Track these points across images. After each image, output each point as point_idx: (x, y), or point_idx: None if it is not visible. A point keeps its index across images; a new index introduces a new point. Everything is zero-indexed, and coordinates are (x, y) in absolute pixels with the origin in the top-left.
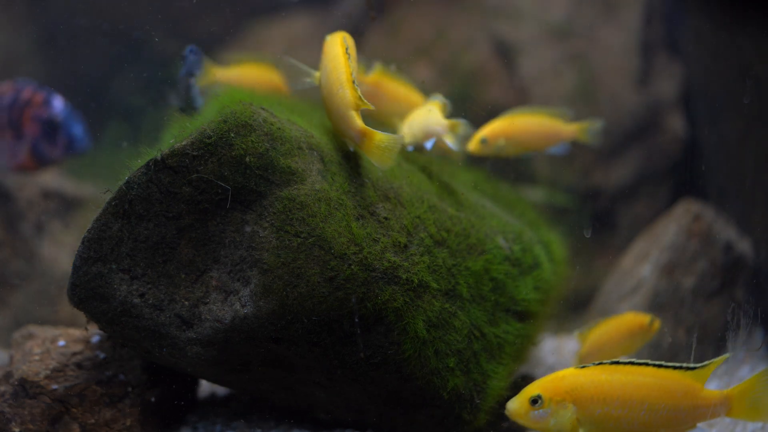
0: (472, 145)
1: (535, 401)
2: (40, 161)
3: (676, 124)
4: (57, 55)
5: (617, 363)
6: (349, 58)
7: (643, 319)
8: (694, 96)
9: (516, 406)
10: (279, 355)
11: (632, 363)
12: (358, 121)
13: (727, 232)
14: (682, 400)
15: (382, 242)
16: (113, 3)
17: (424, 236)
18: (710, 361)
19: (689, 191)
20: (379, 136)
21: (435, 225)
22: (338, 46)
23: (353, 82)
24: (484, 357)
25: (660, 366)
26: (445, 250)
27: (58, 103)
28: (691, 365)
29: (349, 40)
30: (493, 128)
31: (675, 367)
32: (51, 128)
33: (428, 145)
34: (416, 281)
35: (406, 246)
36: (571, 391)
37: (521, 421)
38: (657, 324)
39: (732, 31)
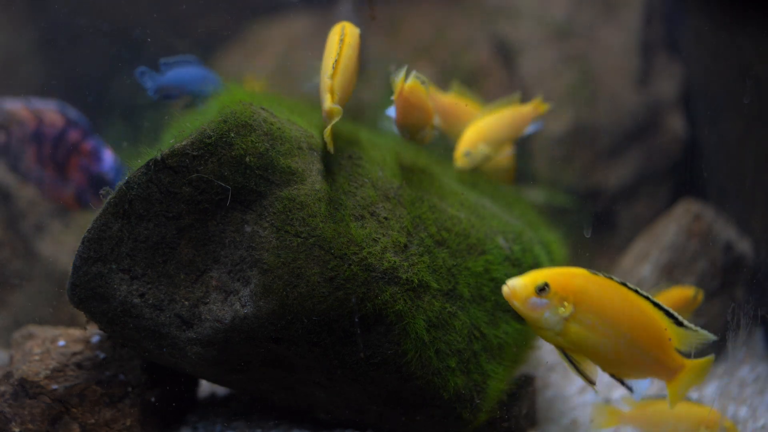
0: (459, 162)
1: (542, 289)
2: (82, 205)
3: (676, 124)
4: (57, 55)
5: (624, 284)
6: (341, 44)
7: (688, 292)
8: (694, 96)
9: (519, 285)
10: (279, 355)
11: (637, 291)
12: (328, 102)
13: (727, 232)
14: (656, 350)
15: (382, 242)
16: (113, 3)
17: (425, 236)
18: (696, 328)
19: (689, 191)
20: (337, 110)
21: (435, 225)
22: (335, 35)
23: (332, 67)
24: (484, 357)
25: (655, 304)
26: (445, 251)
27: (108, 159)
28: (683, 321)
29: (349, 29)
30: (469, 138)
31: (666, 312)
32: (99, 184)
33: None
34: (416, 281)
35: (406, 246)
36: (577, 293)
37: (515, 302)
38: (701, 296)
39: (732, 31)
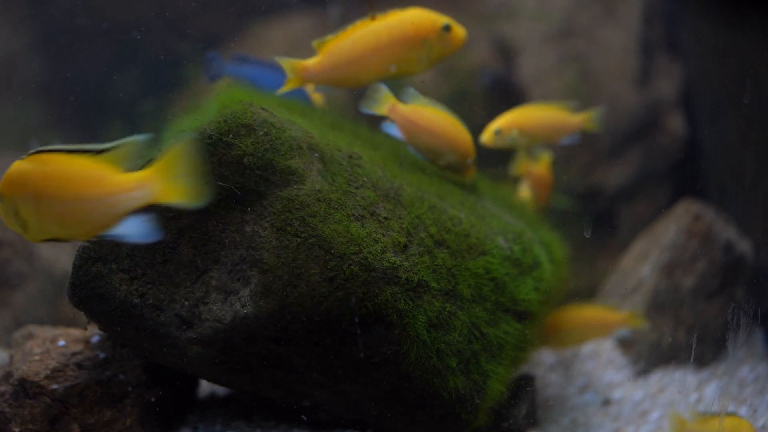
0: (486, 137)
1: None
2: None
3: (676, 124)
4: (57, 55)
5: (52, 150)
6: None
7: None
8: (694, 96)
9: None
10: (279, 355)
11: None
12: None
13: (727, 232)
14: (89, 189)
15: (382, 242)
16: (113, 2)
17: (425, 236)
18: (119, 141)
19: (689, 191)
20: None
21: (435, 225)
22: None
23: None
24: (484, 357)
25: (63, 150)
26: (445, 251)
27: None
28: (105, 147)
29: (406, 14)
30: (507, 119)
31: (84, 151)
32: None
33: None
34: (416, 281)
35: (406, 246)
36: (23, 188)
37: None
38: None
39: (732, 31)
